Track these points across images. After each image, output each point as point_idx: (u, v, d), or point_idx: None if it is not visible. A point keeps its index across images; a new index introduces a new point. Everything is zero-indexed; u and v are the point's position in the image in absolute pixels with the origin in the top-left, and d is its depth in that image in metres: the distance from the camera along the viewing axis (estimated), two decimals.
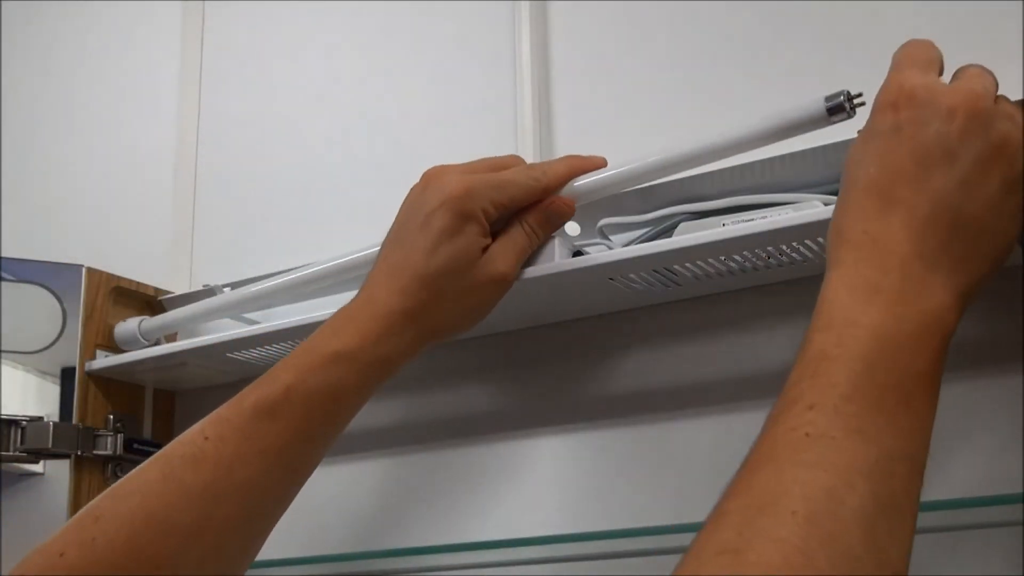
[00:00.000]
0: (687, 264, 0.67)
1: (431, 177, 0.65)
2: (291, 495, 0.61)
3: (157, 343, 0.92)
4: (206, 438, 0.57)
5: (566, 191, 0.67)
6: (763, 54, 0.77)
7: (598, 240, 0.74)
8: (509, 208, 0.65)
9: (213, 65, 1.10)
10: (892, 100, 0.49)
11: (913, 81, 0.50)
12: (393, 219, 0.66)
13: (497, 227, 0.65)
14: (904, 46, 0.53)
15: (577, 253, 0.70)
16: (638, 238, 0.73)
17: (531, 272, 0.68)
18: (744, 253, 0.65)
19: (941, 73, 0.52)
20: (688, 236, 0.65)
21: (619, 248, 0.69)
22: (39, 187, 1.19)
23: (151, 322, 0.93)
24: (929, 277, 0.46)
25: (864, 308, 0.45)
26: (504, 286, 0.65)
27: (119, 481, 0.57)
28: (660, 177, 0.67)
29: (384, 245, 0.65)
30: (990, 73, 0.51)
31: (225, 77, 1.09)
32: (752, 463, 0.42)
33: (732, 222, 0.66)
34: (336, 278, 0.79)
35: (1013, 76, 0.64)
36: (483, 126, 0.89)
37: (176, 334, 0.95)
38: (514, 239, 0.65)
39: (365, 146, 0.97)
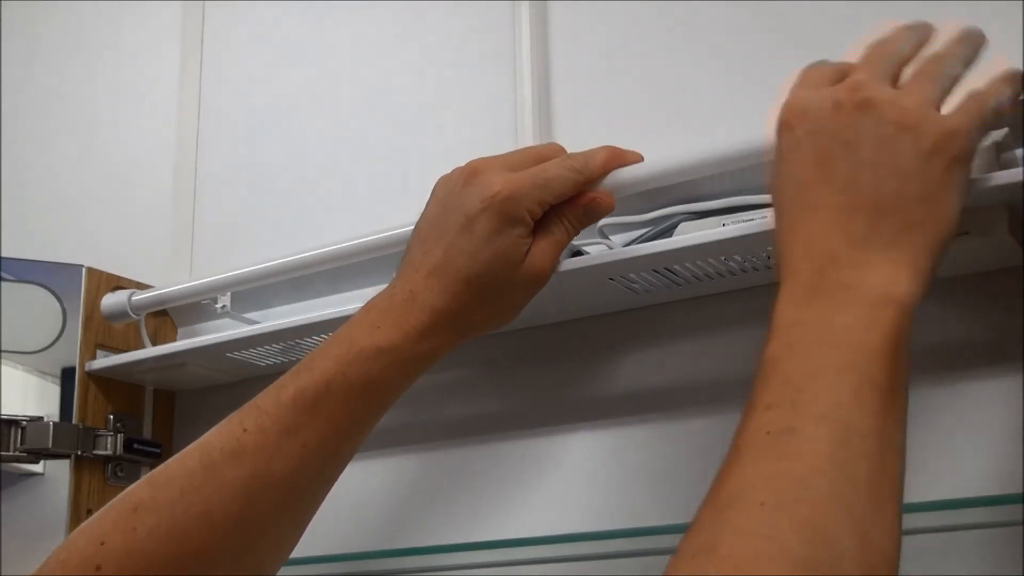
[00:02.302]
0: (687, 264, 0.67)
1: (472, 173, 0.62)
2: (327, 489, 0.61)
3: (153, 342, 0.92)
4: (245, 430, 0.56)
5: (608, 182, 0.64)
6: (763, 54, 0.77)
7: (598, 240, 0.74)
8: (553, 205, 0.63)
9: (213, 65, 1.10)
10: (784, 120, 0.51)
11: (796, 96, 0.52)
12: (427, 202, 0.64)
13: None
14: (797, 74, 0.55)
15: (577, 253, 0.70)
16: (638, 238, 0.73)
17: None
18: (744, 253, 0.65)
19: (841, 80, 0.52)
20: (688, 236, 0.65)
21: (619, 248, 0.69)
22: (39, 187, 1.19)
23: (143, 296, 0.92)
24: (866, 258, 0.46)
25: (806, 308, 0.46)
26: (542, 283, 0.64)
27: (158, 469, 0.57)
28: (702, 174, 0.65)
29: (418, 237, 0.63)
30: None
31: (225, 77, 1.09)
32: (720, 473, 0.42)
33: (732, 222, 0.66)
34: (332, 264, 0.80)
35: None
36: (483, 126, 0.89)
37: (176, 334, 0.94)
38: (555, 236, 0.63)
39: (365, 147, 0.97)
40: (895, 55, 0.52)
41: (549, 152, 0.65)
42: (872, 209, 0.47)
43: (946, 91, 0.50)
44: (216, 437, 0.57)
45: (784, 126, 0.51)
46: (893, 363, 0.44)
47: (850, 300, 0.45)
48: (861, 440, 0.41)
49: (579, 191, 0.63)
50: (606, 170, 0.64)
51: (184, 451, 0.57)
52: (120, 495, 0.56)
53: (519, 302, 0.64)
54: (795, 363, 0.44)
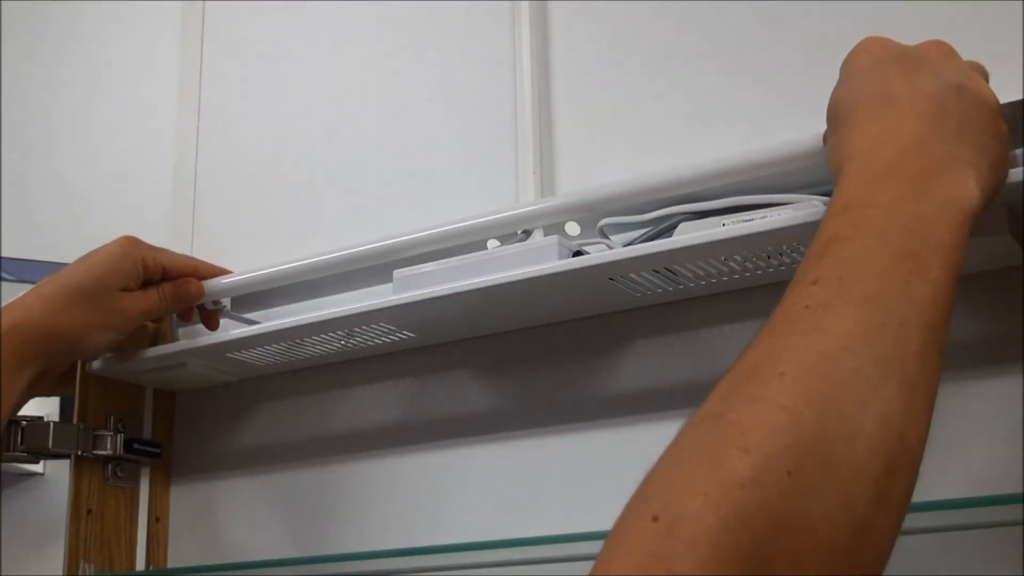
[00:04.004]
0: (687, 264, 0.67)
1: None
2: None
3: (155, 343, 0.92)
4: None
5: (616, 189, 0.69)
6: (763, 56, 0.77)
7: (598, 240, 0.74)
8: (167, 268, 0.82)
9: (213, 65, 1.10)
10: (864, 48, 0.52)
11: (875, 37, 0.52)
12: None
13: (149, 285, 0.82)
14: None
15: (577, 253, 0.70)
16: (638, 238, 0.73)
17: (531, 272, 0.68)
18: (744, 253, 0.65)
19: None
20: (688, 236, 0.65)
21: (619, 248, 0.69)
22: (39, 187, 1.19)
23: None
24: (950, 153, 0.46)
25: (882, 187, 0.44)
26: (123, 323, 0.80)
27: None
28: (707, 186, 0.66)
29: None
30: None
31: (225, 77, 1.09)
32: (748, 346, 0.41)
33: (732, 222, 0.66)
34: (334, 270, 0.81)
35: (1013, 76, 0.64)
36: (483, 126, 0.89)
37: (177, 334, 0.94)
38: (149, 296, 0.81)
39: (365, 146, 0.97)
40: None
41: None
42: (958, 118, 0.47)
43: None
44: None
45: (864, 51, 0.52)
46: (952, 263, 0.43)
47: (927, 188, 0.44)
48: (900, 327, 0.40)
49: (186, 274, 0.83)
50: (210, 272, 0.84)
51: None
52: None
53: (106, 325, 0.79)
54: (855, 243, 0.42)
